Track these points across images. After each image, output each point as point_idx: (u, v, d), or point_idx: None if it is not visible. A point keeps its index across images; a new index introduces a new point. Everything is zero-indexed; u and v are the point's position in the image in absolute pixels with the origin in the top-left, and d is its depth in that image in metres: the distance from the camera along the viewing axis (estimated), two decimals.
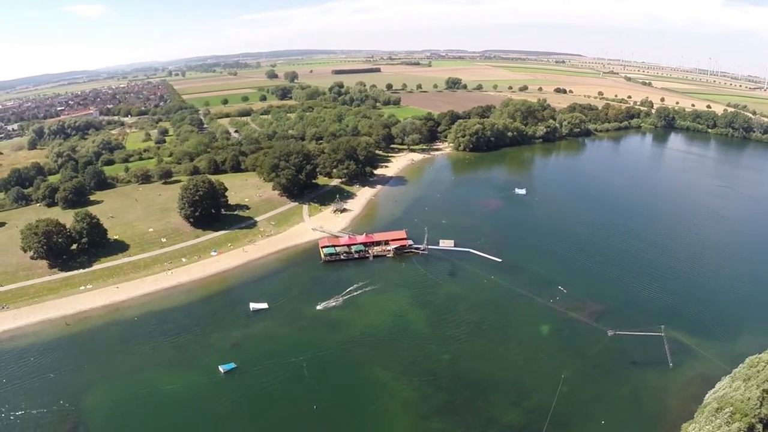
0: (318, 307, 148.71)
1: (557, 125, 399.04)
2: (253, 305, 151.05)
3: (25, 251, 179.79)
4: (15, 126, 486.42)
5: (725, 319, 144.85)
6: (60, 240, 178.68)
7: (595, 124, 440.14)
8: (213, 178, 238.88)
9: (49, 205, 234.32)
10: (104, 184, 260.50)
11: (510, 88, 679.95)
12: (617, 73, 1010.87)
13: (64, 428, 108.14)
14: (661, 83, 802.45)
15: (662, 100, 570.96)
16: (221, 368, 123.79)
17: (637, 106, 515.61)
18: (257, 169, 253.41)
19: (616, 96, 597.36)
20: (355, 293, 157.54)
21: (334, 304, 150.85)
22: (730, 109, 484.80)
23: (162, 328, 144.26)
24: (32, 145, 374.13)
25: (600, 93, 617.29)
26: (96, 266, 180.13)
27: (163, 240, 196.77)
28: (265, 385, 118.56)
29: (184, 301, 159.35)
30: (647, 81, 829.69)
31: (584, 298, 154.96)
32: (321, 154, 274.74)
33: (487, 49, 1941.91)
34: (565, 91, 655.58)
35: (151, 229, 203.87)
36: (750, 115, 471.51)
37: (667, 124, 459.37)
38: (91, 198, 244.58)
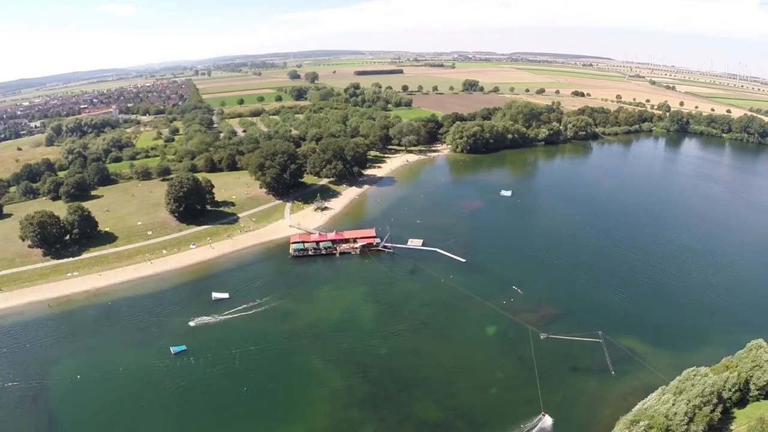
0: (190, 324, 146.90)
1: (561, 128, 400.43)
2: (215, 294, 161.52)
3: (23, 240, 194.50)
4: (37, 123, 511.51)
5: (687, 329, 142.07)
6: (54, 231, 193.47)
7: (604, 127, 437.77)
8: (208, 176, 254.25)
9: (53, 199, 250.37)
10: (107, 179, 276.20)
11: (527, 90, 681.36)
12: (643, 77, 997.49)
13: (28, 395, 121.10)
14: (686, 87, 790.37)
15: (681, 104, 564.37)
16: (172, 349, 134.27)
17: (650, 110, 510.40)
18: (248, 168, 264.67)
19: (634, 99, 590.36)
20: (243, 312, 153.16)
21: (208, 320, 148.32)
22: (751, 114, 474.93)
23: (131, 312, 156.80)
24: (50, 142, 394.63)
25: (618, 96, 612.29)
26: (85, 255, 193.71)
27: (149, 233, 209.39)
28: (206, 367, 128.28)
29: (156, 289, 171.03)
30: (671, 85, 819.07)
31: (541, 301, 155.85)
32: (313, 153, 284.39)
33: (515, 52, 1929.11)
34: (582, 94, 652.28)
35: (139, 223, 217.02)
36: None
37: (681, 128, 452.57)
38: (93, 193, 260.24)
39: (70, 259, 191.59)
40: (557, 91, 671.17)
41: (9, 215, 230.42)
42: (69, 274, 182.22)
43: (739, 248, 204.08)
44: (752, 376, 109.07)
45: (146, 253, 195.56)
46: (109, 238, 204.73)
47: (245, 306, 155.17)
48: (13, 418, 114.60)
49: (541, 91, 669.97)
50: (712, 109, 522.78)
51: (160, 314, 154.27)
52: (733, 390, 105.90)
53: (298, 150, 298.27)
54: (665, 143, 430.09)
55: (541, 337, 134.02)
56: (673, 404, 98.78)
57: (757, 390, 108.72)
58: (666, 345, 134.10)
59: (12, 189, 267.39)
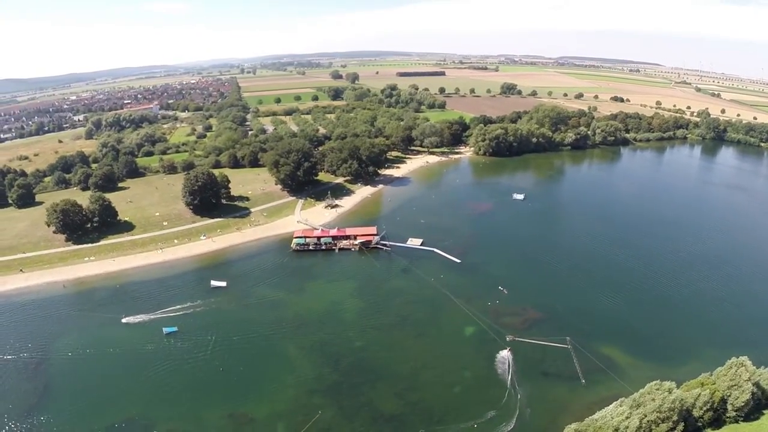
0: (123, 320, 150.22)
1: (589, 133, 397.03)
2: (213, 282, 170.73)
3: (48, 226, 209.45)
4: (81, 117, 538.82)
5: (677, 341, 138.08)
6: (76, 218, 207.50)
7: (636, 133, 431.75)
8: (229, 171, 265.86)
9: (83, 189, 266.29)
10: (135, 172, 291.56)
11: (565, 95, 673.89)
12: (690, 84, 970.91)
13: (31, 363, 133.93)
14: (732, 95, 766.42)
15: (723, 111, 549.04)
16: (164, 330, 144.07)
17: (686, 117, 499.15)
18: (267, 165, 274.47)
19: (674, 106, 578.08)
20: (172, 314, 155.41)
21: (140, 319, 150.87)
22: None
23: (135, 294, 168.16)
24: (89, 136, 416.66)
25: (658, 102, 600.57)
26: (103, 242, 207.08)
27: (165, 223, 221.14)
28: (192, 348, 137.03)
29: (162, 275, 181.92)
30: (717, 92, 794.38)
31: (527, 304, 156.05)
32: (331, 152, 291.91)
33: (563, 56, 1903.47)
34: (622, 100, 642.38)
35: (157, 214, 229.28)
36: None
37: (717, 135, 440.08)
38: (121, 184, 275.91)
39: (89, 244, 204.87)
40: (596, 96, 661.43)
41: (41, 203, 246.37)
42: (86, 259, 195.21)
43: (755, 262, 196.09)
44: (729, 396, 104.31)
45: (159, 242, 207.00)
46: (127, 227, 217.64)
47: (238, 294, 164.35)
48: (15, 383, 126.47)
49: (579, 96, 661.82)
50: (755, 118, 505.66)
51: (159, 297, 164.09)
52: (705, 409, 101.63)
53: (319, 149, 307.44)
54: (699, 151, 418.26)
55: (507, 338, 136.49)
56: (627, 417, 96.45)
57: (735, 410, 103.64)
58: (649, 357, 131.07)
59: (47, 179, 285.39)
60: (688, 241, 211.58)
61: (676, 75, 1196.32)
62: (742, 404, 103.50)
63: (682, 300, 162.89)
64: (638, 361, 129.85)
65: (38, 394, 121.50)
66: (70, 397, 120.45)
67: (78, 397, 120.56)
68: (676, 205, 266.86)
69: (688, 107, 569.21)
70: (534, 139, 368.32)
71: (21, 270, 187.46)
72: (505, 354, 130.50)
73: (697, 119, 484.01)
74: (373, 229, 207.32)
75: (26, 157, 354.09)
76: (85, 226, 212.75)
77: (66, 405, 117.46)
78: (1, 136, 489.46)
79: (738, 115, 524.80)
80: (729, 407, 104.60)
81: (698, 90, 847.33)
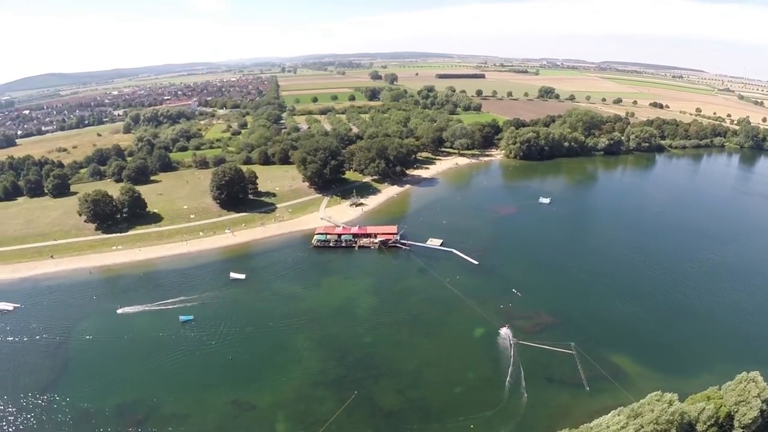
0: (118, 311, 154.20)
1: (623, 138, 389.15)
2: (233, 275, 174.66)
3: (80, 215, 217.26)
4: (120, 111, 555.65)
5: (693, 354, 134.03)
6: (106, 209, 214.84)
7: (672, 139, 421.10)
8: (259, 168, 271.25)
9: (117, 181, 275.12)
10: (168, 166, 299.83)
11: (603, 100, 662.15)
12: (733, 91, 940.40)
13: (53, 343, 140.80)
14: None
15: (764, 119, 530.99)
16: (180, 318, 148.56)
17: (725, 124, 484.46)
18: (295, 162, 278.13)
19: (714, 113, 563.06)
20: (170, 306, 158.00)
21: (136, 310, 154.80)
22: None
23: (157, 283, 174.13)
24: (127, 130, 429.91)
25: (698, 110, 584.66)
26: (131, 232, 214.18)
27: (192, 216, 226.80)
28: (204, 337, 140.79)
29: (185, 266, 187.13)
30: (760, 100, 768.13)
31: (540, 308, 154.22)
32: (360, 151, 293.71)
33: (605, 61, 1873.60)
34: (661, 106, 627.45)
35: (185, 207, 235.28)
36: None
37: (756, 144, 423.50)
38: (153, 178, 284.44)
39: (118, 234, 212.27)
40: (635, 102, 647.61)
41: (75, 193, 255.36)
42: (114, 248, 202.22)
43: None
44: (737, 412, 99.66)
45: (184, 234, 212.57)
46: (155, 219, 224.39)
47: (255, 287, 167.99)
48: (36, 361, 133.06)
49: (618, 101, 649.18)
50: None
51: (179, 287, 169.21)
52: (709, 424, 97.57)
53: (348, 147, 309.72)
54: (736, 160, 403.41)
55: (512, 341, 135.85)
56: (623, 427, 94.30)
57: (742, 428, 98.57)
58: (660, 367, 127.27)
59: (83, 170, 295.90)
60: (716, 251, 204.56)
61: (720, 82, 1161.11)
62: (750, 421, 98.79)
63: (702, 310, 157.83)
64: (648, 370, 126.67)
65: (56, 373, 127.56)
66: (85, 377, 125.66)
67: (92, 377, 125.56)
68: (707, 214, 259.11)
69: (728, 115, 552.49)
70: (566, 144, 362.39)
71: (51, 256, 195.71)
72: (504, 332, 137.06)
73: (737, 127, 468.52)
74: (393, 228, 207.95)
75: (65, 149, 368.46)
76: (115, 217, 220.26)
77: (81, 384, 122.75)
78: (43, 128, 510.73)
79: None
80: (736, 423, 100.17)
81: (741, 98, 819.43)
